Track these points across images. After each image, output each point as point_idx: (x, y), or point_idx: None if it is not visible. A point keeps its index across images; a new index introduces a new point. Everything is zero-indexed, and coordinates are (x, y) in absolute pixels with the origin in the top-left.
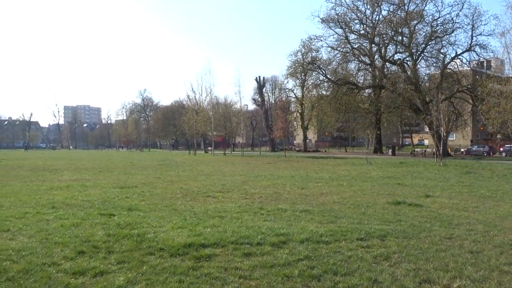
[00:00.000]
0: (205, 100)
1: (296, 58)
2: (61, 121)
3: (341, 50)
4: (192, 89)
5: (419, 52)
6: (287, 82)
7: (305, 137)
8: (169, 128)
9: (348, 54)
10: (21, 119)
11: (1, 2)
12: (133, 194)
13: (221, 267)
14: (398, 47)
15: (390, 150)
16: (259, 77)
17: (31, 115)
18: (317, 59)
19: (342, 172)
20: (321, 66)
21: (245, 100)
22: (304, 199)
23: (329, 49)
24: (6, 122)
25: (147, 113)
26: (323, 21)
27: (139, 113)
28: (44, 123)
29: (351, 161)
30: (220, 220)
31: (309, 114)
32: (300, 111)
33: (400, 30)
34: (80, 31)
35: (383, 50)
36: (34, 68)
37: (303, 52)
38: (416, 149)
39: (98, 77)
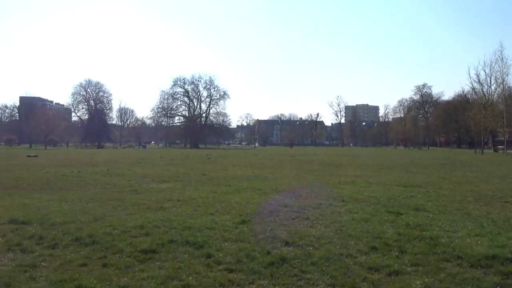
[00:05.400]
0: (494, 92)
1: None
2: (343, 120)
3: None
4: (479, 80)
5: None
6: None
7: None
8: (450, 124)
9: None
10: (309, 119)
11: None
12: (418, 194)
13: None
14: None
15: None
16: None
17: (318, 115)
18: None
19: None
20: None
21: None
22: None
23: None
24: (297, 122)
25: (426, 109)
26: None
27: (417, 109)
28: (327, 122)
29: None
30: None
31: None
32: None
33: None
34: (338, 37)
35: None
36: (321, 73)
37: None
38: None
39: (377, 76)
